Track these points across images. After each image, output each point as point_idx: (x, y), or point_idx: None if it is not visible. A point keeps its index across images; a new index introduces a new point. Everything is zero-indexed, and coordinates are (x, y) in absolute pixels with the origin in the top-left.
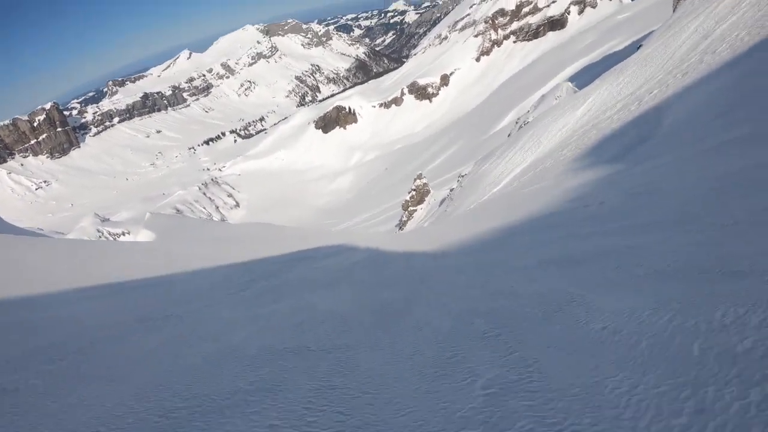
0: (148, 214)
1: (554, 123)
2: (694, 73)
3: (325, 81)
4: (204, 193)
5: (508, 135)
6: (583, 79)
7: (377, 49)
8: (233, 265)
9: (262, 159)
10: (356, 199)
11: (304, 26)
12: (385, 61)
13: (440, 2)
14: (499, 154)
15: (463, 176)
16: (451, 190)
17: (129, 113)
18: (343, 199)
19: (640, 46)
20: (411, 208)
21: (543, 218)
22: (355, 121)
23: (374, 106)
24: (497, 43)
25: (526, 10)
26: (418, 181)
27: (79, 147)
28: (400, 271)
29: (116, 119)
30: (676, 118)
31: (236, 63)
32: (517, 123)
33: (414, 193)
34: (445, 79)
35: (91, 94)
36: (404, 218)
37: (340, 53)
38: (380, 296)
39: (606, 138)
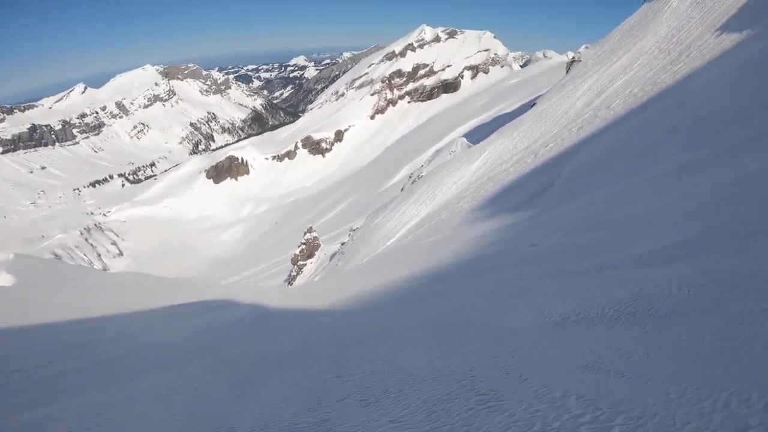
0: (12, 255)
1: (449, 176)
2: (590, 126)
3: (220, 130)
4: (86, 239)
5: (401, 189)
6: (476, 137)
7: (275, 101)
8: (82, 321)
9: (150, 206)
10: (247, 252)
11: (204, 72)
12: (282, 115)
13: (340, 60)
14: (392, 208)
15: (354, 230)
16: (342, 244)
17: (14, 144)
18: (234, 252)
19: (534, 103)
20: (301, 263)
21: (468, 263)
22: (248, 172)
23: (267, 158)
24: (392, 102)
25: (422, 72)
26: (308, 234)
27: None
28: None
29: None
30: (575, 167)
31: (131, 103)
32: (410, 177)
33: (304, 247)
34: (339, 135)
35: None
36: (293, 273)
37: (237, 103)
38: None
39: (504, 189)
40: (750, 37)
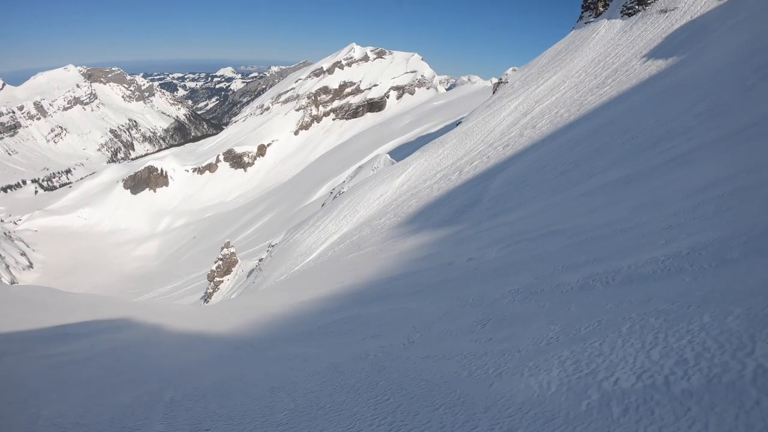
0: None
1: (371, 192)
2: (516, 145)
3: (141, 139)
4: None
5: (322, 205)
6: (399, 155)
7: (199, 112)
8: None
9: (63, 216)
10: (164, 267)
11: (129, 77)
12: (205, 126)
13: (267, 74)
14: (312, 223)
15: (273, 246)
16: (260, 260)
17: None
18: (150, 267)
19: (459, 122)
20: (217, 279)
21: (392, 281)
22: (167, 184)
23: (187, 171)
24: (317, 118)
25: (348, 90)
26: (225, 249)
27: None
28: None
29: None
30: (503, 184)
31: (50, 104)
32: (331, 193)
33: (221, 262)
34: (262, 150)
35: None
36: (210, 290)
37: (160, 112)
38: None
39: (429, 205)
40: (675, 64)
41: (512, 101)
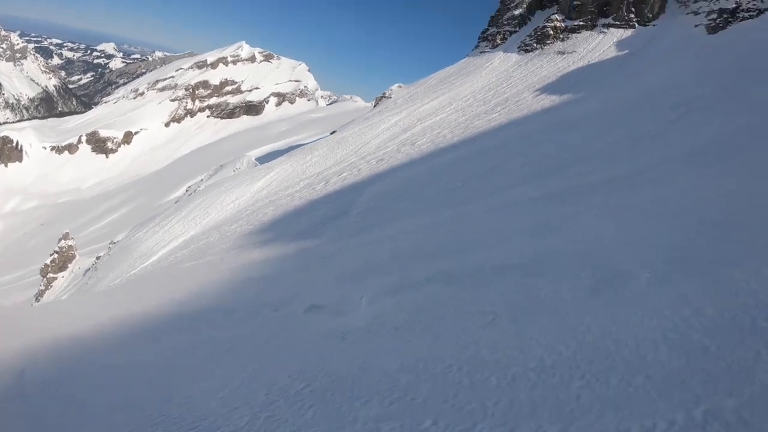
0: None
1: (227, 194)
2: (391, 160)
3: (3, 104)
4: None
5: (176, 202)
6: (267, 161)
7: (71, 86)
8: None
9: None
10: (5, 254)
11: (3, 33)
12: (74, 102)
13: (150, 59)
14: (158, 222)
15: (114, 243)
16: (98, 258)
17: None
18: None
19: (334, 131)
20: (51, 275)
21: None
22: (20, 159)
23: (45, 148)
24: (191, 113)
25: (228, 88)
26: (63, 241)
27: None
28: None
29: None
30: (374, 199)
31: None
32: (187, 191)
33: (56, 256)
34: (128, 137)
35: None
36: (42, 287)
37: (29, 78)
38: None
39: (288, 214)
40: (569, 100)
41: (393, 116)
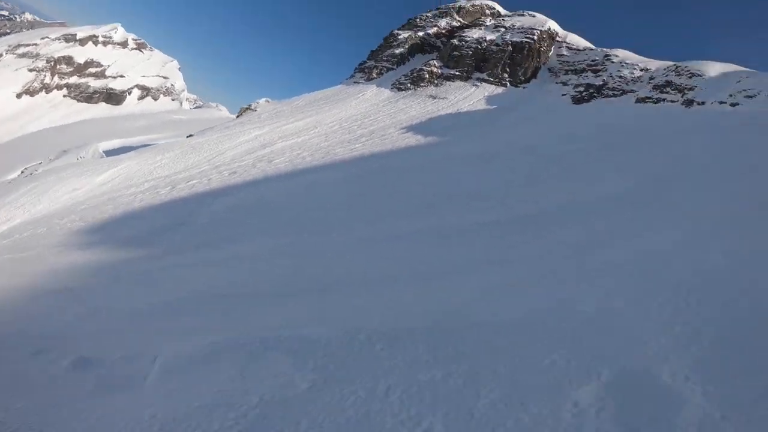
0: None
1: (64, 183)
2: (245, 174)
3: None
4: None
5: (8, 183)
6: (117, 155)
7: None
8: None
9: None
10: None
11: None
12: None
13: (18, 19)
14: None
15: None
16: None
17: None
18: None
19: (191, 135)
20: None
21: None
22: None
23: None
24: (48, 88)
25: (92, 70)
26: None
27: None
28: None
29: None
30: (219, 211)
31: None
32: (22, 173)
33: None
34: None
35: None
36: None
37: None
38: None
39: (125, 216)
40: (434, 142)
41: (255, 130)
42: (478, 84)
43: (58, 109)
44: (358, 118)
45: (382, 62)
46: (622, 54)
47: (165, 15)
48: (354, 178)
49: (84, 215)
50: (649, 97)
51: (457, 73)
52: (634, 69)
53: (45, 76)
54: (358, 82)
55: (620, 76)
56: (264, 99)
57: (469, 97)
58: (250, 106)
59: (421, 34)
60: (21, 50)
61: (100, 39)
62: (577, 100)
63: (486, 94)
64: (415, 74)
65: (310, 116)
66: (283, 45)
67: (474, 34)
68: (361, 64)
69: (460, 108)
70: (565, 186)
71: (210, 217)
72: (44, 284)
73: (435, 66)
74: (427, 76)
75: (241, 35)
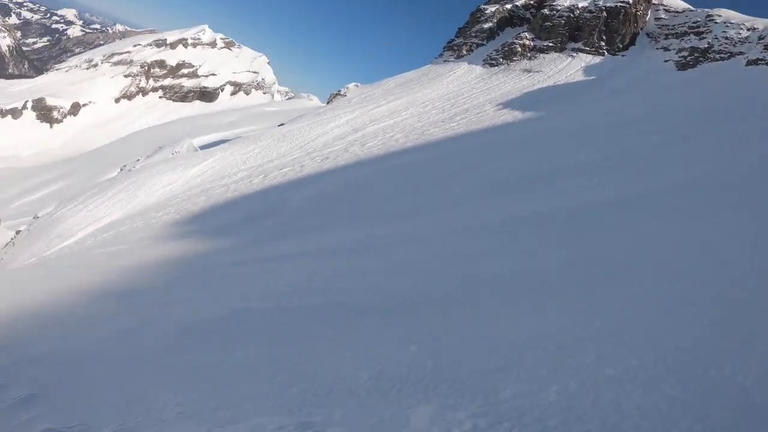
0: None
1: (159, 177)
2: (337, 159)
3: None
4: None
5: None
6: (207, 148)
7: (25, 49)
8: None
9: None
10: None
11: None
12: (26, 66)
13: (110, 31)
14: (83, 200)
15: (37, 218)
16: (17, 232)
17: None
18: None
19: (282, 124)
20: None
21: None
22: None
23: None
24: (144, 91)
25: (184, 71)
26: None
27: None
28: None
29: None
30: (308, 198)
31: None
32: (122, 170)
33: None
34: (75, 109)
35: None
36: None
37: None
38: None
39: (217, 206)
40: (534, 117)
41: (345, 115)
42: (574, 54)
43: (155, 110)
44: (451, 97)
45: (471, 39)
46: (724, 14)
47: (249, 12)
48: (450, 157)
49: (179, 207)
50: (761, 59)
51: (550, 44)
52: (741, 29)
53: (140, 80)
54: (448, 61)
55: (726, 38)
56: (353, 84)
57: (565, 68)
58: (339, 91)
59: (508, 6)
60: (115, 58)
61: (190, 41)
62: (682, 66)
63: (583, 64)
64: (506, 48)
65: (400, 98)
66: (370, 29)
67: (564, 2)
68: (449, 42)
69: (557, 80)
70: (680, 162)
71: (301, 205)
72: (112, 285)
73: (527, 38)
74: (519, 49)
75: (326, 23)
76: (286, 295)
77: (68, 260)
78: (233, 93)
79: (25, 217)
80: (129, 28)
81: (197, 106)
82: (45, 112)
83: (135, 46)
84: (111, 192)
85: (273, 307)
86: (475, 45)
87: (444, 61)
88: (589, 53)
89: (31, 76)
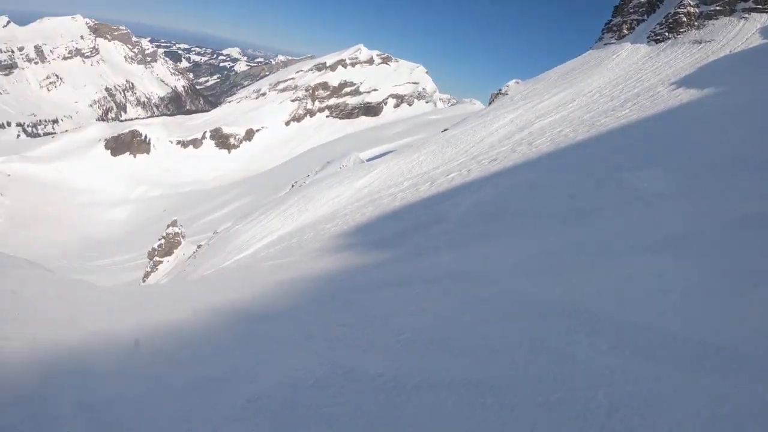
0: None
1: (328, 191)
2: (505, 161)
3: (135, 102)
4: None
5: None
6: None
7: (198, 87)
8: None
9: (39, 165)
10: (128, 236)
11: (135, 39)
12: (201, 102)
13: (273, 62)
14: (256, 216)
15: (216, 233)
16: (199, 246)
17: None
18: (115, 233)
19: (445, 129)
20: (157, 259)
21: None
22: (148, 151)
23: (171, 142)
24: (311, 113)
25: (347, 90)
26: (170, 228)
27: None
28: None
29: None
30: (476, 204)
31: (51, 51)
32: (292, 186)
33: (163, 241)
34: (250, 134)
35: None
36: (148, 269)
37: (160, 79)
38: None
39: (382, 217)
40: (714, 93)
41: (509, 113)
42: (746, 16)
43: (323, 129)
44: (619, 82)
45: (630, 15)
46: None
47: (402, 26)
48: (627, 148)
49: (347, 219)
50: None
51: (717, 8)
52: None
53: (306, 102)
54: (609, 43)
55: None
56: (513, 81)
57: (740, 33)
58: (500, 90)
59: None
60: (281, 86)
61: (348, 61)
62: None
63: (758, 25)
64: (670, 20)
65: (564, 90)
66: (523, 23)
67: None
68: (607, 24)
69: (733, 48)
70: None
71: (469, 210)
72: (254, 306)
73: (690, 6)
74: (684, 19)
75: (478, 25)
76: (420, 353)
77: (238, 272)
78: (396, 105)
79: (207, 233)
80: (290, 57)
81: (363, 122)
82: (222, 140)
83: (297, 72)
84: (282, 207)
85: (390, 372)
86: (635, 22)
87: (605, 44)
88: (762, 11)
89: (207, 110)
